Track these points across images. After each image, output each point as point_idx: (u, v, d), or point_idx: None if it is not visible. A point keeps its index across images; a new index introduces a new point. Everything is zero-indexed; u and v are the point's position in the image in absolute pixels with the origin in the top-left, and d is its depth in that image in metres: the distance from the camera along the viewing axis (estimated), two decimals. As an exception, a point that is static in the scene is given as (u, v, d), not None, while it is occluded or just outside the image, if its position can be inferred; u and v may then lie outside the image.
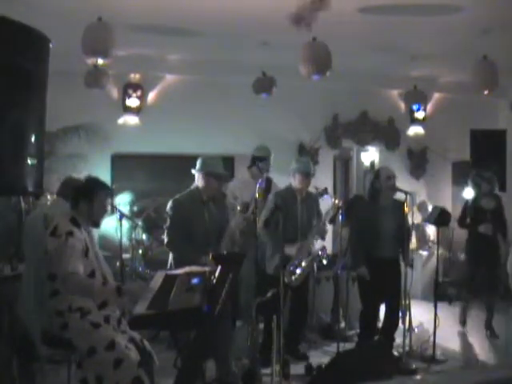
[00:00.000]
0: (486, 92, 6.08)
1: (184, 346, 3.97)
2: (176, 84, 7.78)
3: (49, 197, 5.35)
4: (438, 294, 5.69)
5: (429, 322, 5.54)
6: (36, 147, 2.68)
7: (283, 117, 7.88)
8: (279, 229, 4.65)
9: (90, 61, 5.24)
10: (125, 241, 5.93)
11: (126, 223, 5.74)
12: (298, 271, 5.11)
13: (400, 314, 5.46)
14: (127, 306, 3.85)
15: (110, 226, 5.88)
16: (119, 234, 5.46)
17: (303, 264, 5.14)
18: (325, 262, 5.37)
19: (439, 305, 5.49)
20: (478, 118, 8.65)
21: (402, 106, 8.72)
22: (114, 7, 5.18)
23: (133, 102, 7.51)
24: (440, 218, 5.66)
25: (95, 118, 6.92)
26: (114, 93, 7.54)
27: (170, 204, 4.71)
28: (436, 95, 9.01)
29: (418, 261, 7.84)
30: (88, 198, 3.66)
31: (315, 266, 5.49)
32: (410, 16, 5.72)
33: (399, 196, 5.34)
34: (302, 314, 5.47)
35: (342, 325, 6.02)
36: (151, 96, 7.71)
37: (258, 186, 4.98)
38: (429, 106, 8.92)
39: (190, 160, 4.84)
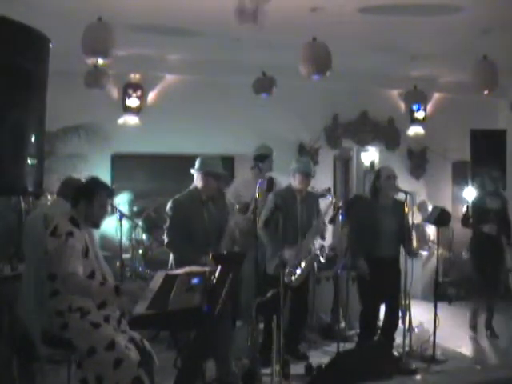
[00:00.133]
0: (485, 92, 6.08)
1: (184, 346, 3.97)
2: (176, 84, 7.78)
3: (49, 197, 5.35)
4: (438, 294, 5.68)
5: (429, 321, 5.53)
6: (36, 147, 2.68)
7: (283, 117, 7.88)
8: (279, 229, 4.65)
9: (90, 61, 5.24)
10: (125, 241, 5.93)
11: (125, 223, 5.74)
12: (298, 271, 5.11)
13: (400, 314, 5.46)
14: (127, 306, 3.85)
15: (110, 226, 5.88)
16: (119, 234, 5.46)
17: (302, 264, 5.14)
18: (322, 259, 5.34)
19: (439, 305, 5.49)
20: (478, 117, 8.65)
21: (402, 106, 8.72)
22: (114, 7, 5.18)
23: (133, 101, 7.51)
24: (440, 218, 5.65)
25: (95, 117, 6.92)
26: (114, 93, 7.54)
27: (169, 204, 4.71)
28: (436, 95, 9.02)
29: (418, 261, 7.83)
30: (88, 199, 3.66)
31: (315, 265, 5.48)
32: (410, 16, 5.72)
33: (399, 196, 5.34)
34: (301, 314, 5.47)
35: (342, 325, 6.02)
36: (151, 96, 7.71)
37: (258, 185, 4.99)
38: (429, 106, 8.93)
39: (189, 160, 4.84)
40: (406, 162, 8.90)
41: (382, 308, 5.43)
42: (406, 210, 5.11)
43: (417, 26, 6.06)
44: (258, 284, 4.54)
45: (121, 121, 7.53)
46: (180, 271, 3.72)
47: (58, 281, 3.44)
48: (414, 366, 5.05)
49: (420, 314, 6.13)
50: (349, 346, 5.37)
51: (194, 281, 3.48)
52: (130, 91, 7.51)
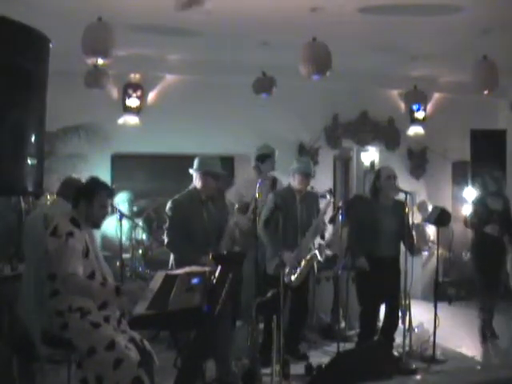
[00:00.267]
0: (485, 92, 6.08)
1: (184, 346, 3.97)
2: (176, 84, 7.77)
3: (49, 197, 5.35)
4: (438, 294, 5.68)
5: (429, 321, 5.53)
6: (36, 147, 2.68)
7: (283, 117, 7.87)
8: (279, 228, 4.65)
9: (90, 61, 5.23)
10: (125, 241, 5.93)
11: (125, 223, 5.74)
12: (298, 271, 5.11)
13: (400, 314, 5.46)
14: (127, 306, 3.85)
15: (110, 226, 5.88)
16: (119, 234, 5.46)
17: (302, 263, 5.14)
18: (320, 258, 5.33)
19: (439, 305, 5.48)
20: (478, 117, 8.64)
21: (402, 106, 8.72)
22: (114, 7, 5.18)
23: (133, 101, 7.51)
24: (440, 218, 5.65)
25: (95, 117, 6.92)
26: (114, 93, 7.54)
27: (169, 204, 4.71)
28: (436, 95, 9.01)
29: (418, 261, 7.83)
30: (88, 199, 3.66)
31: (315, 265, 5.48)
32: (410, 16, 5.72)
33: (399, 196, 5.34)
34: (302, 314, 5.47)
35: (342, 325, 6.02)
36: (151, 96, 7.71)
37: (258, 185, 4.99)
38: (429, 106, 8.92)
39: (189, 160, 4.84)
40: (406, 162, 8.89)
41: (382, 308, 5.44)
42: (406, 209, 5.11)
43: (417, 26, 6.06)
44: (258, 284, 4.54)
45: (121, 121, 7.53)
46: (180, 271, 3.72)
47: (57, 281, 3.44)
48: (413, 365, 5.05)
49: (420, 313, 6.12)
50: (349, 345, 5.37)
51: (194, 281, 3.48)
52: (130, 91, 7.51)
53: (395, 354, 5.22)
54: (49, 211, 4.44)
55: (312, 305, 5.97)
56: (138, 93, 7.52)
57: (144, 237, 6.34)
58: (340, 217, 5.19)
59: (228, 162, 7.71)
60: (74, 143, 6.92)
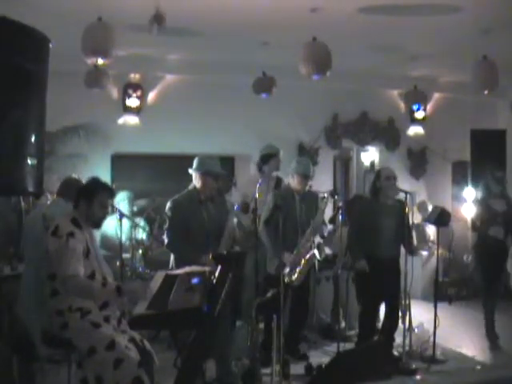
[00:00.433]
0: (486, 92, 6.08)
1: (184, 346, 3.97)
2: (176, 84, 7.78)
3: (49, 197, 5.35)
4: (438, 294, 5.68)
5: (429, 321, 5.53)
6: (36, 147, 2.68)
7: (283, 117, 7.88)
8: (279, 228, 4.65)
9: (90, 61, 5.23)
10: (125, 240, 5.93)
11: (126, 223, 5.74)
12: (297, 270, 5.10)
13: (400, 314, 5.46)
14: (127, 306, 3.85)
15: (110, 225, 5.88)
16: (119, 234, 5.46)
17: (302, 263, 5.13)
18: (318, 256, 5.32)
19: (439, 305, 5.49)
20: (478, 118, 8.65)
21: (402, 106, 8.72)
22: (114, 7, 5.18)
23: (133, 102, 7.51)
24: (440, 217, 5.64)
25: (95, 118, 6.93)
26: (114, 93, 7.54)
27: (168, 205, 4.71)
28: (436, 95, 9.01)
29: (418, 261, 7.84)
30: (88, 199, 3.66)
31: (316, 263, 5.47)
32: (410, 16, 5.72)
33: (399, 196, 5.34)
34: (302, 313, 5.47)
35: (342, 325, 6.02)
36: (151, 96, 7.71)
37: (258, 185, 4.99)
38: (429, 106, 8.92)
39: (189, 160, 4.83)
40: (406, 162, 8.89)
41: (382, 308, 5.44)
42: (406, 209, 5.11)
43: (417, 26, 6.06)
44: (258, 284, 4.53)
45: (121, 121, 7.53)
46: (180, 271, 3.72)
47: (57, 281, 3.44)
48: (413, 365, 5.05)
49: (420, 314, 6.12)
50: (349, 345, 5.38)
51: (194, 281, 3.48)
52: (130, 91, 7.51)
53: (395, 353, 5.22)
54: (48, 211, 4.44)
55: (312, 305, 5.97)
56: (138, 93, 7.52)
57: (144, 237, 6.34)
58: (340, 217, 5.19)
59: (228, 162, 7.72)
60: (74, 143, 6.93)
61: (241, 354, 4.92)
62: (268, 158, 5.85)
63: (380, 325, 5.59)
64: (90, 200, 3.65)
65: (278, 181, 5.90)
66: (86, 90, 6.64)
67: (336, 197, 5.60)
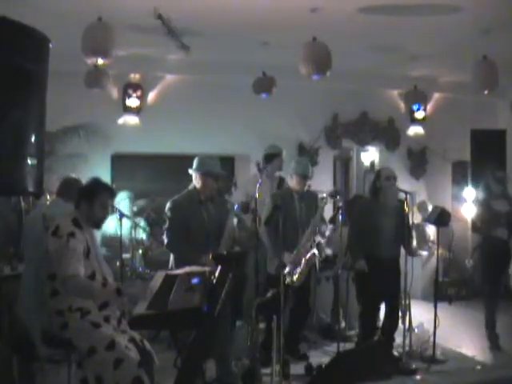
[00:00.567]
0: (486, 92, 6.08)
1: (184, 346, 3.97)
2: (176, 84, 7.78)
3: (48, 197, 5.35)
4: (438, 294, 5.68)
5: (429, 321, 5.53)
6: (36, 147, 2.68)
7: (283, 117, 7.87)
8: (279, 228, 4.66)
9: (90, 61, 5.24)
10: (125, 240, 5.93)
11: (126, 222, 5.74)
12: (298, 270, 5.10)
13: (400, 314, 5.46)
14: (127, 306, 3.85)
15: (110, 225, 5.88)
16: (119, 234, 5.46)
17: (302, 262, 5.13)
18: (316, 252, 5.31)
19: (439, 305, 5.48)
20: (478, 118, 8.65)
21: (402, 106, 8.72)
22: (114, 7, 5.18)
23: (133, 101, 7.51)
24: (440, 217, 5.64)
25: (95, 118, 6.93)
26: (114, 93, 7.54)
27: (168, 205, 4.71)
28: (436, 95, 9.02)
29: (418, 261, 7.84)
30: (89, 199, 3.66)
31: (317, 262, 5.46)
32: (410, 16, 5.72)
33: (399, 196, 5.35)
34: (303, 314, 5.47)
35: (342, 325, 6.02)
36: (151, 96, 7.71)
37: (258, 185, 4.99)
38: (429, 106, 8.93)
39: (189, 160, 4.83)
40: (406, 162, 8.89)
41: (382, 308, 5.43)
42: (406, 209, 5.11)
43: (417, 26, 6.06)
44: (259, 284, 4.53)
45: (121, 121, 7.53)
46: (180, 271, 3.72)
47: (57, 281, 3.44)
48: (413, 365, 5.05)
49: (420, 314, 6.12)
50: (349, 345, 5.38)
51: (194, 281, 3.48)
52: (130, 91, 7.51)
53: (395, 353, 5.22)
54: (48, 211, 4.44)
55: (312, 305, 5.97)
56: (138, 93, 7.53)
57: (144, 237, 6.34)
58: (340, 217, 5.19)
59: (228, 162, 7.72)
60: (74, 143, 6.93)
61: (241, 354, 4.92)
62: (271, 157, 5.86)
63: (380, 325, 5.58)
64: (91, 200, 3.65)
65: (281, 181, 5.90)
66: (86, 90, 6.64)
67: (337, 197, 5.59)
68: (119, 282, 4.75)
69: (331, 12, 5.54)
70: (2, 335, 3.97)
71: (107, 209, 3.78)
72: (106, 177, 6.50)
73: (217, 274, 3.52)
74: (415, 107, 8.66)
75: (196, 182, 4.71)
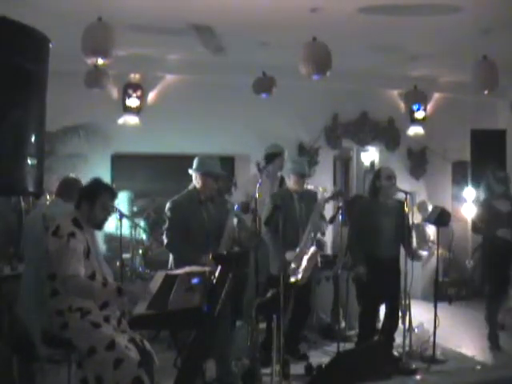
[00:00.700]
0: (486, 92, 6.08)
1: (184, 346, 3.97)
2: (176, 84, 7.78)
3: (48, 197, 5.36)
4: (438, 294, 5.67)
5: (429, 321, 5.53)
6: (36, 147, 2.68)
7: (283, 117, 7.87)
8: (279, 228, 4.65)
9: (90, 61, 5.24)
10: (125, 240, 5.93)
11: (126, 222, 5.74)
12: (302, 267, 5.09)
13: (400, 314, 5.46)
14: (127, 306, 3.85)
15: (110, 225, 5.88)
16: (119, 234, 5.46)
17: (304, 260, 5.12)
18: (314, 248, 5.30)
19: (439, 305, 5.48)
20: (478, 118, 8.65)
21: (402, 106, 8.72)
22: (114, 7, 5.18)
23: (133, 101, 7.51)
24: (440, 217, 5.64)
25: (95, 118, 6.93)
26: (114, 93, 7.54)
27: (168, 205, 4.71)
28: (436, 95, 9.01)
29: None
30: (90, 200, 3.65)
31: (319, 260, 5.45)
32: (410, 16, 5.72)
33: (399, 196, 5.35)
34: (303, 314, 5.47)
35: (342, 325, 6.02)
36: (151, 96, 7.71)
37: (257, 185, 4.99)
38: (429, 106, 8.92)
39: (189, 160, 4.84)
40: (406, 162, 8.89)
41: (382, 308, 5.44)
42: (406, 209, 5.11)
43: (417, 26, 6.06)
44: (259, 284, 4.53)
45: (121, 121, 7.53)
46: (180, 271, 3.72)
47: (57, 281, 3.44)
48: (413, 365, 5.05)
49: (420, 314, 6.12)
50: (349, 346, 5.38)
51: (194, 281, 3.48)
52: (130, 91, 7.51)
53: (395, 353, 5.22)
54: (47, 211, 4.44)
55: (312, 305, 5.97)
56: (138, 93, 7.52)
57: (144, 237, 6.34)
58: (340, 217, 5.19)
59: (228, 162, 7.72)
60: (74, 143, 6.93)
61: (241, 354, 4.92)
62: (273, 157, 5.85)
63: (380, 325, 5.58)
64: (92, 201, 3.64)
65: (283, 180, 5.90)
66: (86, 90, 6.64)
67: (339, 197, 5.58)
68: (119, 281, 4.75)
69: (331, 12, 5.54)
70: (2, 335, 3.97)
71: (108, 210, 3.77)
72: (106, 177, 6.48)
73: (217, 274, 3.52)
74: (415, 107, 8.66)
75: (196, 182, 4.71)
